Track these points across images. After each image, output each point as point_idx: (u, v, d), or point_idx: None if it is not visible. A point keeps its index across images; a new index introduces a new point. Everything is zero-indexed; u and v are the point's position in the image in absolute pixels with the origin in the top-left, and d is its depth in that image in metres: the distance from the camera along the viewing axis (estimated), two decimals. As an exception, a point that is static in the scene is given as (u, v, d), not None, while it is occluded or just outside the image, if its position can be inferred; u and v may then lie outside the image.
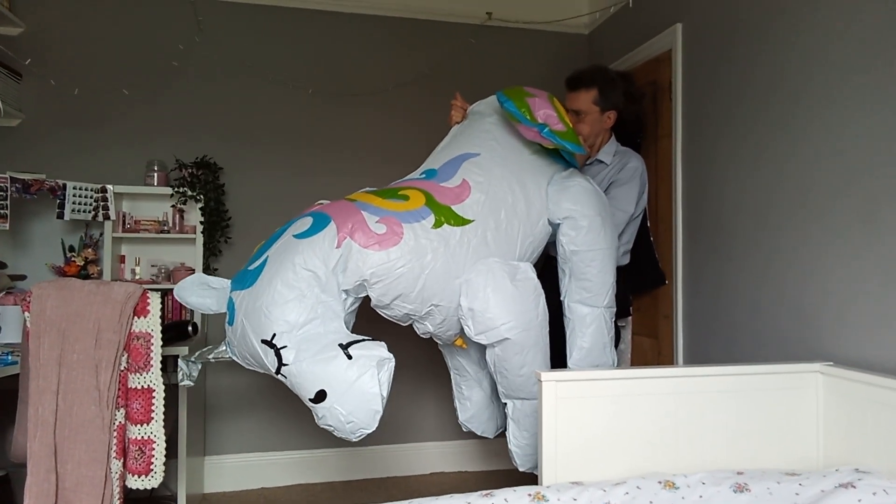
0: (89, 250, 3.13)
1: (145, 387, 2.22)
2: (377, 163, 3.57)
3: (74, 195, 3.02)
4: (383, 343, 1.92)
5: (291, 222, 2.09)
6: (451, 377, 2.60)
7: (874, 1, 1.85)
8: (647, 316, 3.03)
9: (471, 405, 2.55)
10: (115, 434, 2.14)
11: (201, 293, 2.09)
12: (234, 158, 3.41)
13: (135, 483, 2.20)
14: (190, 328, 3.03)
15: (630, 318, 3.04)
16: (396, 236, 1.97)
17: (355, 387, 1.82)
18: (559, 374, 1.80)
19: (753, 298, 2.33)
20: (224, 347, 2.10)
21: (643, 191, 2.64)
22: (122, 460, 2.17)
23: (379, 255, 1.95)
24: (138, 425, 2.20)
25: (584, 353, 2.25)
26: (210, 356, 2.19)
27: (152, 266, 3.30)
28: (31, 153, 3.18)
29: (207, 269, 3.30)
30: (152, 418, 2.21)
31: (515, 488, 1.58)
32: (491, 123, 2.41)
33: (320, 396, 1.83)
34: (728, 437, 1.82)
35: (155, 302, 2.27)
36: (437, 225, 2.04)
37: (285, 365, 1.86)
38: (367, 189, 2.24)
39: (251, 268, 2.01)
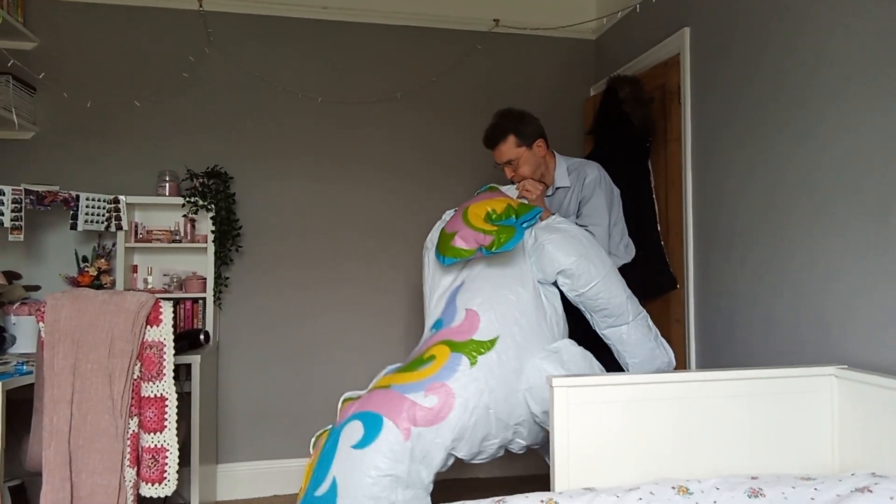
0: (102, 260, 3.16)
1: (158, 395, 2.23)
2: (386, 170, 3.59)
3: (87, 206, 3.05)
4: None
5: (337, 431, 2.06)
6: None
7: (886, 4, 1.84)
8: (659, 321, 3.00)
9: None
10: (128, 442, 2.15)
11: None
12: (245, 167, 3.44)
13: (148, 491, 2.21)
14: (202, 337, 3.06)
15: (642, 322, 3.03)
16: (451, 397, 2.03)
17: None
18: (571, 379, 1.79)
19: (765, 302, 2.32)
20: None
21: (611, 195, 2.61)
22: (135, 469, 2.18)
23: (447, 424, 1.99)
24: (151, 434, 2.22)
25: (638, 367, 2.30)
26: None
27: (164, 275, 3.32)
28: (44, 165, 3.22)
29: (219, 278, 3.32)
30: (165, 426, 2.22)
31: (528, 494, 1.57)
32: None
33: None
34: (742, 442, 1.81)
35: (167, 311, 2.29)
36: (474, 362, 2.10)
37: None
38: (391, 369, 2.27)
39: (319, 493, 1.96)
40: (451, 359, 2.11)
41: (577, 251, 2.26)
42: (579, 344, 2.27)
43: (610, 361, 2.34)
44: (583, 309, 2.32)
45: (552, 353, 2.18)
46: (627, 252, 2.65)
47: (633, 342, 2.28)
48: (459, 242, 2.26)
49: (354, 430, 2.00)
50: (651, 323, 2.36)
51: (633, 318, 2.29)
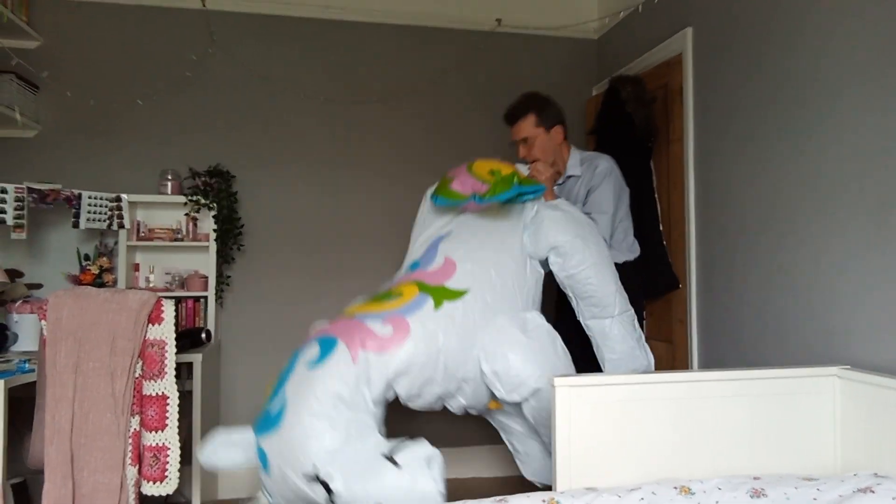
0: (104, 259, 3.16)
1: (160, 394, 2.23)
2: (388, 169, 3.59)
3: (89, 205, 3.05)
4: (423, 439, 1.93)
5: (298, 352, 2.10)
6: (504, 440, 2.57)
7: (890, 4, 1.84)
8: (662, 320, 3.02)
9: (532, 459, 2.49)
10: (130, 441, 2.16)
11: (226, 452, 2.08)
12: (247, 166, 3.44)
13: (150, 490, 2.21)
14: (204, 335, 3.06)
15: (644, 322, 3.02)
16: (406, 332, 2.03)
17: (413, 492, 1.82)
18: (573, 379, 1.79)
19: (767, 301, 2.31)
20: (262, 498, 2.10)
21: (620, 188, 2.63)
22: (137, 467, 2.18)
23: (396, 354, 1.99)
24: (153, 432, 2.22)
25: (616, 364, 2.27)
26: None
27: (166, 274, 3.33)
28: (47, 164, 3.22)
29: (221, 277, 3.32)
30: (167, 425, 2.22)
31: (529, 494, 1.57)
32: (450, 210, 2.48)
33: None
34: (744, 442, 1.81)
35: (169, 309, 2.29)
36: (438, 305, 2.11)
37: (335, 494, 1.84)
38: (360, 299, 2.29)
39: (272, 411, 2.00)
40: (418, 298, 2.12)
41: (575, 231, 2.26)
42: (570, 342, 2.25)
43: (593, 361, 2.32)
44: (570, 295, 2.30)
45: (518, 318, 2.17)
46: (631, 251, 2.65)
47: (615, 337, 2.26)
48: (456, 185, 2.29)
49: (311, 352, 2.04)
50: (637, 325, 2.34)
51: (619, 314, 2.27)
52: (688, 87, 2.81)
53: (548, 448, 2.40)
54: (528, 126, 2.58)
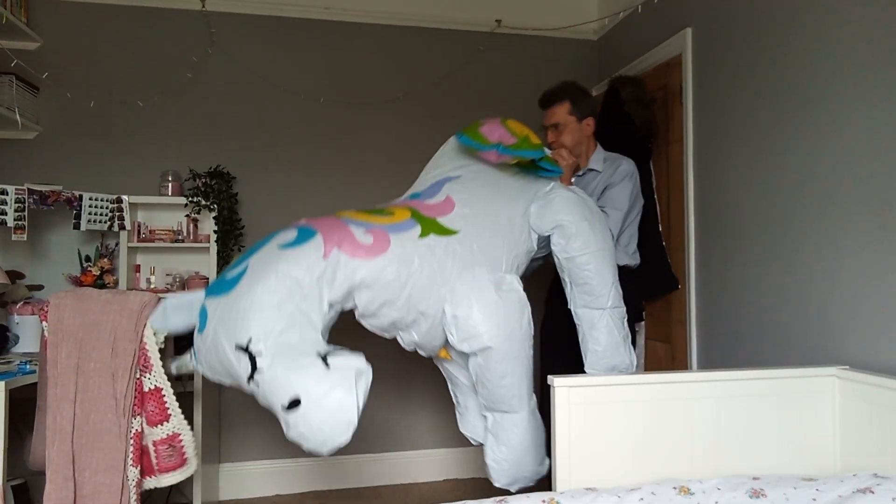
0: (105, 260, 3.17)
1: (153, 387, 2.22)
2: (389, 170, 3.58)
3: (90, 206, 3.06)
4: (362, 354, 1.90)
5: (275, 234, 2.07)
6: (449, 389, 2.54)
7: (886, 2, 1.84)
8: (661, 321, 3.02)
9: (469, 413, 2.48)
10: (131, 442, 2.16)
11: (176, 316, 2.06)
12: (247, 167, 3.44)
13: (169, 480, 2.19)
14: (204, 336, 3.05)
15: (643, 323, 3.03)
16: (384, 245, 2.00)
17: (332, 397, 1.79)
18: (572, 379, 1.80)
19: (767, 302, 2.32)
20: (189, 357, 2.06)
21: (637, 191, 2.65)
22: (138, 468, 2.18)
23: (367, 264, 1.96)
24: (159, 426, 2.20)
25: (598, 356, 2.24)
26: (173, 367, 2.15)
27: (167, 275, 3.33)
28: (48, 165, 3.23)
29: (221, 278, 3.32)
30: (170, 415, 2.21)
31: (529, 495, 1.57)
32: (467, 156, 2.46)
33: (294, 404, 1.79)
34: (743, 442, 1.81)
35: (170, 310, 2.29)
36: (424, 234, 2.08)
37: (259, 371, 1.82)
38: (359, 209, 2.25)
39: (229, 275, 1.98)
40: (407, 222, 2.10)
41: (584, 214, 2.24)
42: (558, 331, 2.24)
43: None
44: (566, 280, 2.27)
45: (497, 276, 2.14)
46: (632, 258, 2.65)
47: (602, 330, 2.23)
48: (484, 130, 2.28)
49: (287, 235, 2.01)
50: (626, 324, 2.31)
51: (611, 308, 2.24)
52: (687, 88, 2.82)
53: (484, 407, 2.31)
54: (561, 112, 2.60)
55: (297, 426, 1.81)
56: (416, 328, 2.12)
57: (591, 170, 2.67)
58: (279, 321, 1.84)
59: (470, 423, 2.46)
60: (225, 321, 1.88)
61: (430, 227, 2.11)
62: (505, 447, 2.21)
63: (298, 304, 1.88)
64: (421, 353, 2.26)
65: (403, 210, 2.16)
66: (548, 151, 2.46)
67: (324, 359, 1.84)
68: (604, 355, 2.24)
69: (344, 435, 1.81)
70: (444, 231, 2.12)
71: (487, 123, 2.32)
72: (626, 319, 2.30)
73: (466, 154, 2.42)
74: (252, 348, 1.82)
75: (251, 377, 1.84)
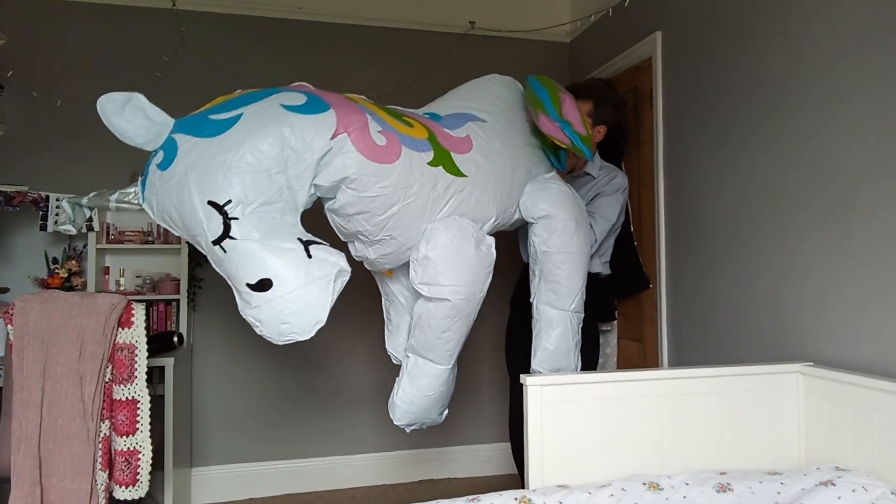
0: (73, 262, 3.11)
1: (130, 398, 2.21)
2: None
3: (57, 207, 3.00)
4: (343, 254, 1.76)
5: (275, 90, 1.79)
6: (382, 304, 2.42)
7: (848, 5, 1.89)
8: (633, 320, 3.06)
9: (399, 332, 2.38)
10: (100, 446, 2.13)
11: (131, 118, 1.80)
12: (219, 168, 3.40)
13: (122, 494, 2.18)
14: (175, 339, 3.02)
15: (616, 322, 3.07)
16: (394, 154, 1.80)
17: (307, 291, 1.64)
18: (545, 378, 1.82)
19: (735, 300, 2.37)
20: (134, 190, 1.85)
21: (623, 209, 2.68)
22: (107, 472, 2.16)
23: (368, 165, 1.76)
24: (124, 437, 2.19)
25: (549, 355, 2.24)
26: (112, 199, 1.92)
27: (137, 277, 3.28)
28: (13, 165, 3.16)
29: (193, 280, 3.28)
30: (138, 429, 2.20)
31: (502, 493, 1.59)
32: (504, 98, 2.36)
33: (264, 286, 1.63)
34: (712, 438, 1.85)
35: (139, 313, 2.27)
36: (435, 164, 1.91)
37: (232, 238, 1.62)
38: (367, 98, 2.01)
39: (215, 117, 1.71)
40: (423, 142, 1.91)
41: (573, 214, 2.21)
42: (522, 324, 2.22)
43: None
44: (535, 272, 2.24)
45: (482, 234, 2.06)
46: (604, 267, 2.67)
47: (558, 329, 2.23)
48: (563, 97, 2.15)
49: (294, 97, 1.75)
50: (580, 331, 2.30)
51: (572, 311, 2.24)
52: (657, 91, 2.86)
53: (412, 347, 2.20)
54: (582, 108, 2.57)
55: (258, 310, 1.66)
56: (376, 247, 1.99)
57: (587, 174, 2.68)
58: (266, 191, 1.64)
59: (398, 342, 2.38)
60: (199, 169, 1.64)
61: (443, 158, 1.95)
62: (418, 391, 2.16)
63: (290, 178, 1.69)
64: (366, 265, 2.15)
65: (422, 128, 1.97)
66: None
67: (306, 247, 1.69)
68: (554, 355, 2.24)
69: (308, 333, 1.67)
70: (454, 169, 1.97)
71: (568, 98, 2.20)
72: (581, 326, 2.30)
73: (499, 102, 2.31)
74: (228, 210, 1.61)
75: (219, 241, 1.64)
